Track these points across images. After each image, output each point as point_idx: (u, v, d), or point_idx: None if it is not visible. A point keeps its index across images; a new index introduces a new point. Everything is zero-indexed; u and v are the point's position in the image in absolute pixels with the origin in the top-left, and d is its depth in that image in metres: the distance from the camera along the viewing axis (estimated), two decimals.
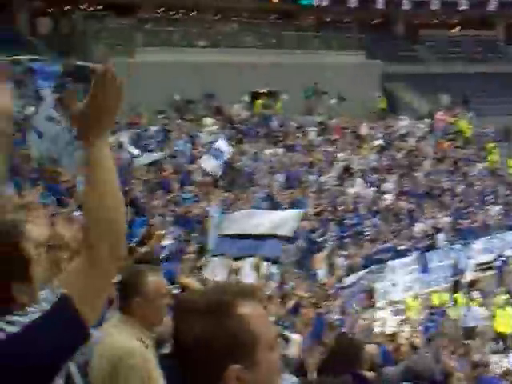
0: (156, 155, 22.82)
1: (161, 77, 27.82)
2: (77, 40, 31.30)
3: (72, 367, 2.45)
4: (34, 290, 2.26)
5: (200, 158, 22.65)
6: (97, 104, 2.21)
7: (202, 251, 15.32)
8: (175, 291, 7.44)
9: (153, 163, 22.24)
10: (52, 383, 2.14)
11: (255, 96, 31.62)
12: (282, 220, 13.86)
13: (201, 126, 26.80)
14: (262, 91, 32.17)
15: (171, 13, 35.14)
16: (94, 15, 33.55)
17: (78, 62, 24.46)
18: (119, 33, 31.65)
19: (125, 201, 2.36)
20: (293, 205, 21.89)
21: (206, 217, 17.44)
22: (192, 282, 8.24)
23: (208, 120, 27.35)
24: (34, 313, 2.15)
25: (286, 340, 8.93)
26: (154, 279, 4.08)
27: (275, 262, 14.08)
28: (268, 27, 36.13)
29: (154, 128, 25.30)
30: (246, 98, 30.89)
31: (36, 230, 2.89)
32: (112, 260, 2.24)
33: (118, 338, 3.88)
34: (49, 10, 33.43)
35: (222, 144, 21.59)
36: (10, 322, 2.14)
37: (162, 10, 35.35)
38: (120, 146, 21.75)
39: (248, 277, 12.17)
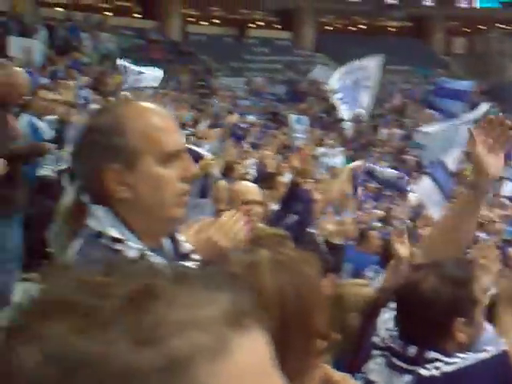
0: None
1: None
2: (492, 59, 30.69)
3: None
4: (475, 333, 2.23)
5: None
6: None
7: None
8: None
9: None
10: None
11: None
12: None
13: None
14: None
15: None
16: (510, 34, 32.68)
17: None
18: None
19: None
20: None
21: None
22: None
23: None
24: (467, 359, 2.08)
25: None
26: None
27: None
28: None
29: None
30: None
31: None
32: None
33: None
34: (464, 30, 33.54)
35: None
36: (448, 363, 2.11)
37: None
38: None
39: None
